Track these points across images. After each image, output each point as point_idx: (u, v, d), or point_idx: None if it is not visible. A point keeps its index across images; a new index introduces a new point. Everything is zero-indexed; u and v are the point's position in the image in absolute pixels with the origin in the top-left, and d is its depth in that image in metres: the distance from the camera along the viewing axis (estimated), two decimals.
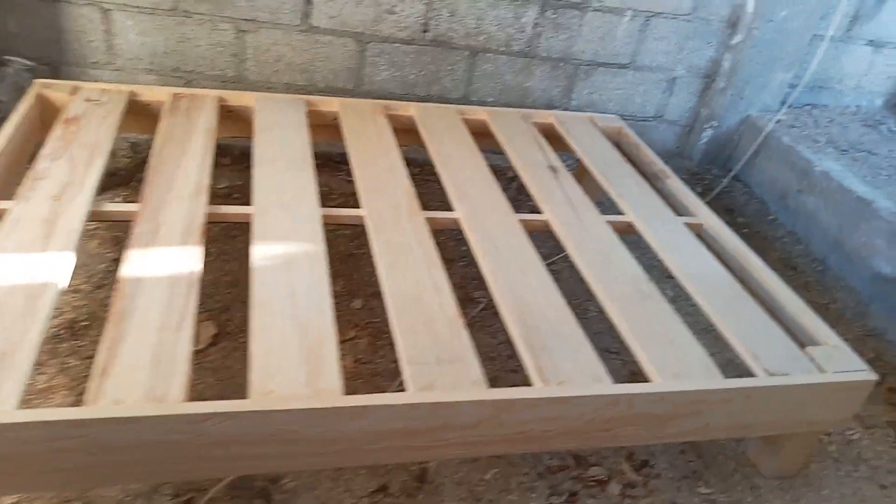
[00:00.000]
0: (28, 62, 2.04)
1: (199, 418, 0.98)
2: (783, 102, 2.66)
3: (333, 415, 1.04)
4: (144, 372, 1.04)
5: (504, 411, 1.13)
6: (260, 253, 1.34)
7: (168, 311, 1.15)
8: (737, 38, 2.48)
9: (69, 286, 1.66)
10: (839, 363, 1.36)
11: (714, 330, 1.47)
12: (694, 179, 2.69)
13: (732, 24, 2.48)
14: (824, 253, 2.30)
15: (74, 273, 1.70)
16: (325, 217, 1.51)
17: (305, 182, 1.59)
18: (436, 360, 1.17)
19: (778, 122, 2.58)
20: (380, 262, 1.39)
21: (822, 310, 2.09)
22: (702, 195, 2.59)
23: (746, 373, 1.32)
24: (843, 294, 2.17)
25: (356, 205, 1.58)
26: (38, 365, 1.43)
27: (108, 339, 1.08)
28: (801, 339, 1.48)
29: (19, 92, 1.93)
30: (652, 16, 2.40)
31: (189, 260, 1.29)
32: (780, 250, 2.36)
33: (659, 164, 2.03)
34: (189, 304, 1.18)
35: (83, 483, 1.01)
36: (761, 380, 1.28)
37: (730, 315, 1.44)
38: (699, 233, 1.80)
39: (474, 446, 1.17)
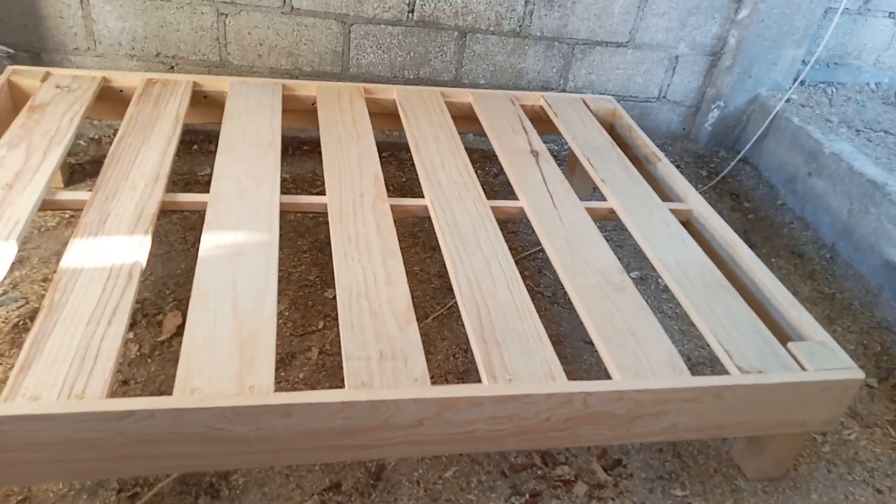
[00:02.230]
0: (8, 49, 2.03)
1: (117, 416, 0.95)
2: (795, 80, 2.53)
3: (262, 413, 1.00)
4: (66, 367, 1.00)
5: (448, 409, 1.07)
6: (209, 243, 1.30)
7: (101, 304, 1.12)
8: (743, 13, 2.35)
9: (39, 275, 1.64)
10: (823, 360, 1.26)
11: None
12: (700, 162, 2.58)
13: None
14: (833, 239, 2.18)
15: (46, 262, 1.68)
16: (285, 205, 1.46)
17: (269, 169, 1.54)
18: (378, 356, 1.11)
19: (788, 101, 2.45)
20: (336, 252, 1.34)
21: (829, 300, 1.98)
22: (707, 178, 2.48)
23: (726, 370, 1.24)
24: (851, 283, 2.05)
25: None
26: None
27: (35, 333, 1.05)
28: (786, 334, 1.39)
29: None
30: None
31: (134, 250, 1.25)
32: (788, 237, 2.24)
33: (651, 148, 1.93)
34: (126, 297, 1.14)
35: (5, 480, 0.98)
36: (732, 378, 1.19)
37: (707, 307, 1.35)
38: (687, 219, 1.71)
39: (419, 446, 1.12)
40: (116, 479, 1.21)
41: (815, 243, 2.22)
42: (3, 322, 1.50)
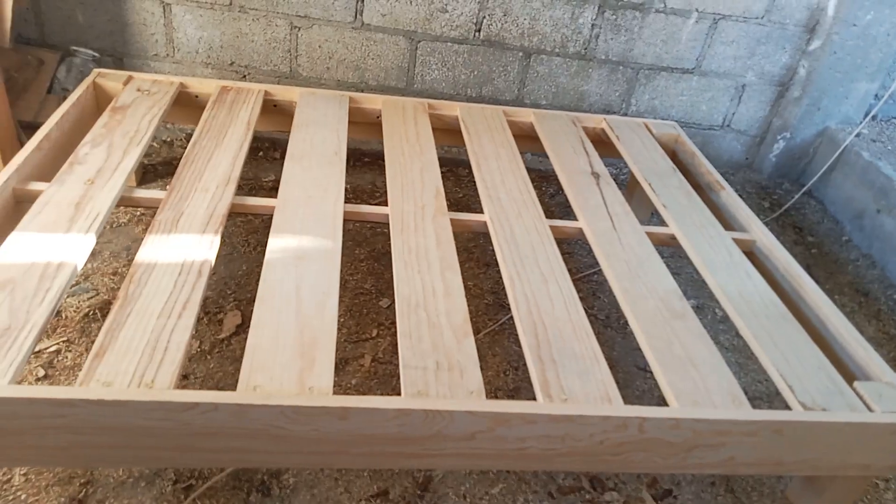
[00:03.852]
0: (94, 53, 2.14)
1: (183, 407, 0.98)
2: (867, 114, 2.46)
3: (320, 414, 1.02)
4: (138, 357, 1.04)
5: (501, 424, 1.07)
6: (275, 246, 1.34)
7: (172, 298, 1.16)
8: (815, 44, 2.31)
9: (109, 268, 1.71)
10: (891, 402, 1.22)
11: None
12: (762, 193, 2.53)
13: (810, 29, 2.31)
14: None
15: (116, 256, 1.75)
16: (348, 213, 1.49)
17: (334, 178, 1.58)
18: (435, 367, 1.12)
19: (858, 135, 2.38)
20: (396, 262, 1.36)
21: (892, 342, 1.91)
22: (769, 210, 2.43)
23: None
24: None
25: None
26: (67, 343, 1.48)
27: (110, 322, 1.10)
28: (851, 373, 1.34)
29: None
30: (720, 18, 2.26)
31: (204, 249, 1.29)
32: (853, 274, 2.17)
33: (714, 176, 1.91)
34: (195, 292, 1.18)
35: (70, 462, 1.02)
36: (794, 414, 1.16)
37: (770, 340, 1.32)
38: (750, 250, 1.68)
39: (470, 459, 1.12)
40: (174, 469, 1.25)
41: (881, 282, 2.14)
42: (74, 311, 1.57)
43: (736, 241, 1.64)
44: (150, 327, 1.10)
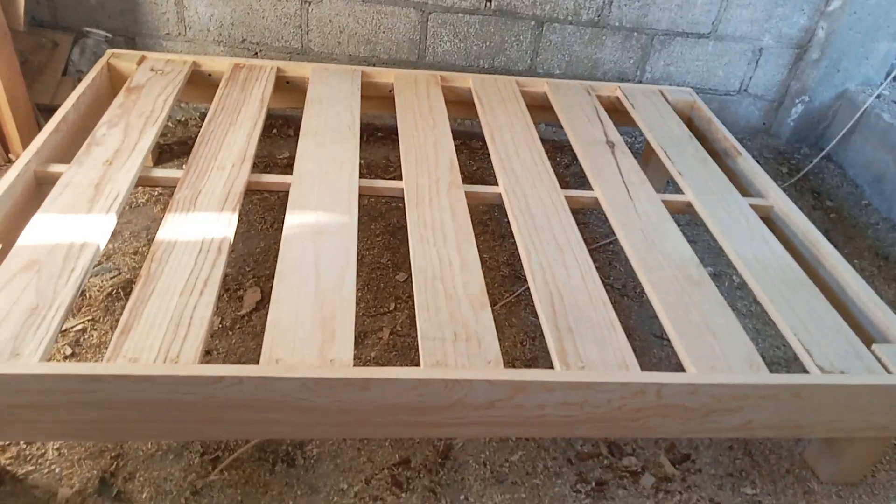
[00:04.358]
0: (107, 34, 2.14)
1: (208, 381, 1.00)
2: (888, 75, 2.41)
3: (341, 385, 1.04)
4: (162, 333, 1.06)
5: (520, 393, 1.09)
6: (292, 222, 1.35)
7: (193, 276, 1.18)
8: (834, 4, 2.26)
9: (130, 248, 1.74)
10: None
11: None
12: (780, 158, 2.50)
13: None
14: None
15: (136, 236, 1.78)
16: (363, 188, 1.50)
17: (348, 153, 1.59)
18: (453, 337, 1.14)
19: (879, 97, 2.34)
20: (412, 236, 1.37)
21: None
22: (787, 175, 2.41)
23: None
24: None
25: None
26: (92, 321, 1.51)
27: (134, 300, 1.12)
28: (870, 336, 1.34)
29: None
30: None
31: (223, 227, 1.31)
32: (872, 238, 2.15)
33: (731, 141, 1.89)
34: (216, 269, 1.20)
35: (100, 436, 1.05)
36: (812, 377, 1.17)
37: (787, 304, 1.32)
38: (767, 216, 1.66)
39: (490, 427, 1.14)
40: (201, 442, 1.28)
41: None
42: (97, 291, 1.60)
43: (753, 206, 1.63)
44: (172, 304, 1.12)
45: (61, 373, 0.97)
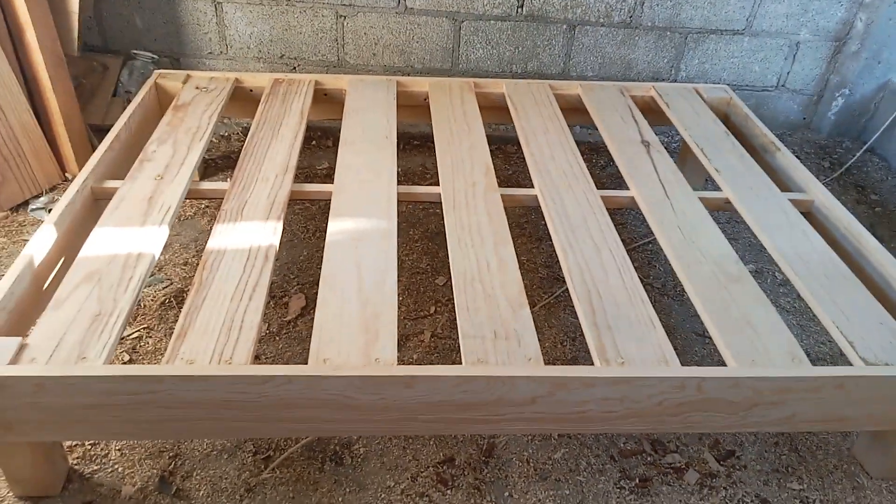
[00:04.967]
0: (153, 55, 2.24)
1: (261, 380, 1.05)
2: None
3: (387, 383, 1.07)
4: (215, 336, 1.12)
5: (560, 389, 1.11)
6: (334, 228, 1.40)
7: (242, 282, 1.23)
8: None
9: (180, 259, 1.81)
10: None
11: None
12: (821, 153, 2.47)
13: None
14: None
15: (185, 247, 1.85)
16: (402, 195, 1.54)
17: (386, 161, 1.63)
18: (493, 336, 1.17)
19: None
20: (450, 239, 1.40)
21: None
22: (830, 170, 2.37)
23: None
24: None
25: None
26: (148, 329, 1.58)
27: (188, 306, 1.17)
28: None
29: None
30: None
31: (268, 235, 1.36)
32: None
33: (769, 137, 1.87)
34: (263, 276, 1.26)
35: (159, 435, 1.11)
36: (856, 369, 1.16)
37: (829, 298, 1.31)
38: (809, 210, 1.65)
39: (532, 423, 1.16)
40: (254, 442, 1.33)
41: None
42: (151, 300, 1.67)
43: (793, 201, 1.62)
44: (224, 309, 1.17)
45: (124, 374, 1.03)
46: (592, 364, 1.15)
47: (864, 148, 2.41)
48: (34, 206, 1.91)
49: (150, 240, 1.32)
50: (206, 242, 1.88)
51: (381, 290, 1.24)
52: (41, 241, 1.30)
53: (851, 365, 1.20)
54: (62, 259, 1.37)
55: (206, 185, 1.55)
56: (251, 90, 1.98)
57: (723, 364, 1.21)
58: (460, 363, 1.13)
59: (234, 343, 1.11)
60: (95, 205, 1.51)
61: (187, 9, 2.19)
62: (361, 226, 1.40)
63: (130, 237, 1.33)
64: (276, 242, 1.35)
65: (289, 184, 1.53)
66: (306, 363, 1.10)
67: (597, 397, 1.12)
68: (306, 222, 1.99)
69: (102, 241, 1.31)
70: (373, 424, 1.13)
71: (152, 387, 1.04)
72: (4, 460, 1.13)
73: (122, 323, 1.13)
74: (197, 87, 1.90)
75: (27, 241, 1.81)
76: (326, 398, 1.08)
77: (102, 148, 1.59)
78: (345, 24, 2.24)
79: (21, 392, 1.03)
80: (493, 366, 1.11)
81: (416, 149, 2.37)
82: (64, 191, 2.00)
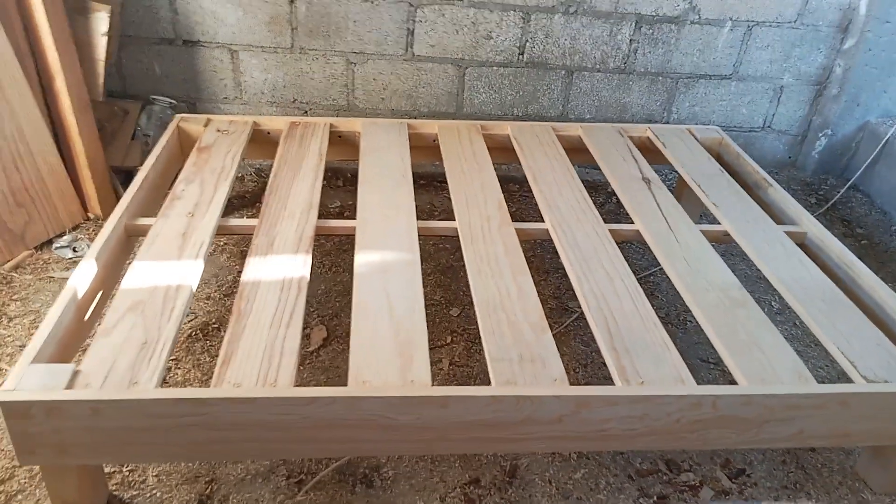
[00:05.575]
0: (171, 100, 2.33)
1: (304, 401, 1.11)
2: None
3: (423, 403, 1.14)
4: (258, 362, 1.18)
5: (584, 407, 1.18)
6: (361, 261, 1.47)
7: (279, 311, 1.30)
8: (849, 43, 2.39)
9: (203, 294, 1.87)
10: None
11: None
12: (808, 190, 2.59)
13: (843, 29, 2.39)
14: None
15: (207, 283, 1.91)
16: (421, 229, 1.62)
17: (404, 198, 1.72)
18: (519, 358, 1.24)
19: None
20: (470, 270, 1.48)
21: None
22: (816, 206, 2.49)
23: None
24: None
25: (453, 219, 1.69)
26: (176, 361, 1.63)
27: (230, 334, 1.24)
28: None
29: (163, 126, 2.22)
30: (754, 25, 2.36)
31: (298, 267, 1.43)
32: None
33: (761, 174, 1.99)
34: (298, 304, 1.32)
35: (206, 456, 1.16)
36: (858, 386, 1.24)
37: (828, 322, 1.40)
38: (802, 241, 1.75)
39: (558, 441, 1.22)
40: (286, 466, 1.38)
41: None
42: (178, 333, 1.72)
43: (788, 234, 1.72)
44: (264, 336, 1.24)
45: (175, 397, 1.08)
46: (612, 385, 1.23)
47: (848, 185, 2.54)
48: (58, 245, 1.96)
49: (187, 273, 1.39)
50: (226, 278, 1.94)
51: (412, 317, 1.31)
52: (82, 275, 1.36)
53: (854, 382, 1.28)
54: (100, 292, 1.43)
55: (235, 222, 1.62)
56: (268, 132, 2.07)
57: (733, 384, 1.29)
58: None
59: (277, 367, 1.17)
60: (128, 241, 1.58)
61: (204, 57, 2.30)
62: (387, 258, 1.48)
63: (168, 270, 1.39)
64: (307, 273, 1.42)
65: (314, 219, 1.61)
66: (348, 382, 1.16)
67: (619, 415, 1.19)
68: (322, 258, 2.06)
69: (143, 274, 1.38)
70: (408, 444, 1.19)
71: (201, 409, 1.10)
72: (54, 483, 1.17)
73: (168, 350, 1.19)
74: (218, 130, 1.99)
75: (52, 277, 1.86)
76: (365, 418, 1.14)
77: (133, 188, 1.66)
78: (355, 70, 2.35)
79: (77, 415, 1.08)
80: (522, 386, 1.18)
81: (422, 188, 2.46)
82: (86, 230, 2.06)
